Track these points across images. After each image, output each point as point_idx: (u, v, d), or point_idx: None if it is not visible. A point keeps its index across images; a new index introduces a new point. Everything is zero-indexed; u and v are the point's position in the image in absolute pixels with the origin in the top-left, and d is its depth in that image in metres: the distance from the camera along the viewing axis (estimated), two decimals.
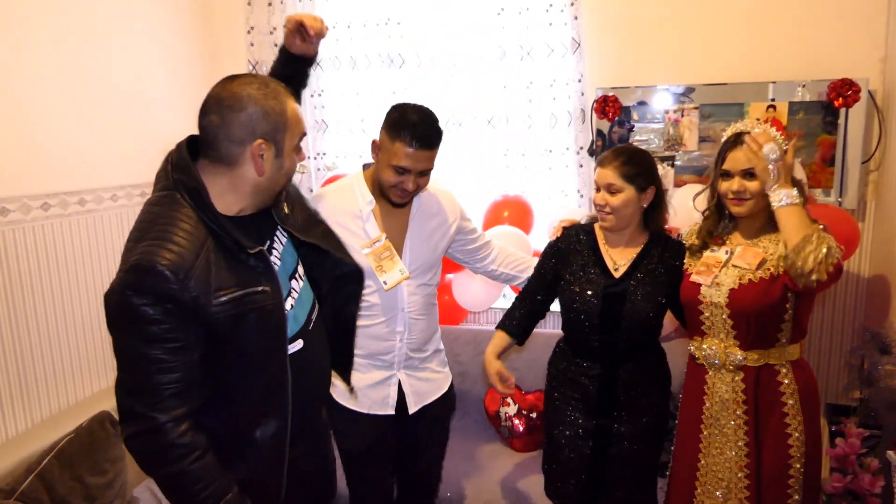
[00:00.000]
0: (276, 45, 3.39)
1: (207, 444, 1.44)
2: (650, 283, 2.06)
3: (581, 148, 3.12)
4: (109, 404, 2.57)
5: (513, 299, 2.34)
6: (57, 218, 2.57)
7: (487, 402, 3.07)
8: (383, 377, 2.16)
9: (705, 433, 2.03)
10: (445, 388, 2.30)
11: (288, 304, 1.60)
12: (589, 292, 2.08)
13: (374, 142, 2.05)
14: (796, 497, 1.94)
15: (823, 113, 2.86)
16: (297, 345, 1.63)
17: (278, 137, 1.51)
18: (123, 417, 1.41)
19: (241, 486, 1.50)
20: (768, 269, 1.89)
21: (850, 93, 2.70)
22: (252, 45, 3.45)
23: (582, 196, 3.16)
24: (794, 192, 1.84)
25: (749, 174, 1.90)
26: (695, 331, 2.05)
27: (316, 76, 3.42)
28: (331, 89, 3.45)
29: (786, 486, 1.94)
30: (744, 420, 1.96)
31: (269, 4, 3.38)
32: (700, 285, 1.98)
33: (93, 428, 2.38)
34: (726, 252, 1.99)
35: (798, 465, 1.94)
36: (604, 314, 2.06)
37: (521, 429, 3.02)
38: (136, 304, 1.35)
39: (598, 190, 2.07)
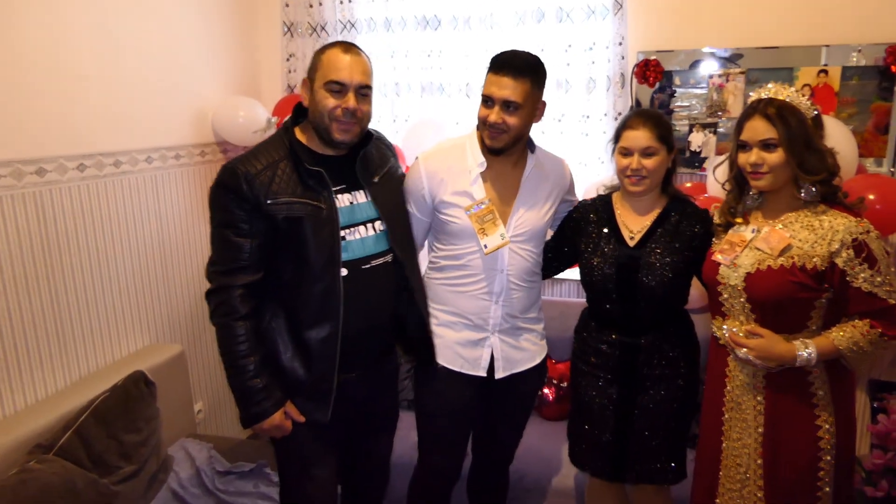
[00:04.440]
0: (310, 6, 3.34)
1: (251, 313, 1.85)
2: (665, 250, 2.00)
3: (619, 114, 3.03)
4: (144, 364, 2.61)
5: None
6: (92, 179, 2.58)
7: None
8: (477, 338, 2.11)
9: (727, 416, 1.95)
10: (538, 361, 2.21)
11: (346, 231, 1.89)
12: (603, 263, 2.04)
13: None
14: (827, 489, 1.84)
15: (879, 78, 2.72)
16: (342, 271, 1.87)
17: (312, 76, 1.87)
18: (207, 279, 1.87)
19: (296, 382, 1.90)
20: (791, 258, 1.76)
21: None
22: (287, 5, 3.41)
23: None
24: (810, 349, 1.75)
25: (768, 145, 1.76)
26: (716, 310, 1.96)
27: (350, 38, 3.37)
28: (365, 51, 3.38)
29: (815, 479, 1.84)
30: (763, 406, 1.86)
31: None
32: (720, 264, 1.88)
33: (128, 387, 2.41)
34: (753, 230, 1.86)
35: (829, 458, 1.83)
36: (620, 284, 2.02)
37: (550, 398, 3.00)
38: (220, 194, 1.82)
39: (626, 154, 2.00)
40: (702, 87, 2.96)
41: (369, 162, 1.98)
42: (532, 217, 2.08)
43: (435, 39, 3.25)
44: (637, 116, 2.01)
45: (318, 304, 1.86)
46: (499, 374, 2.13)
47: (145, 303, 2.89)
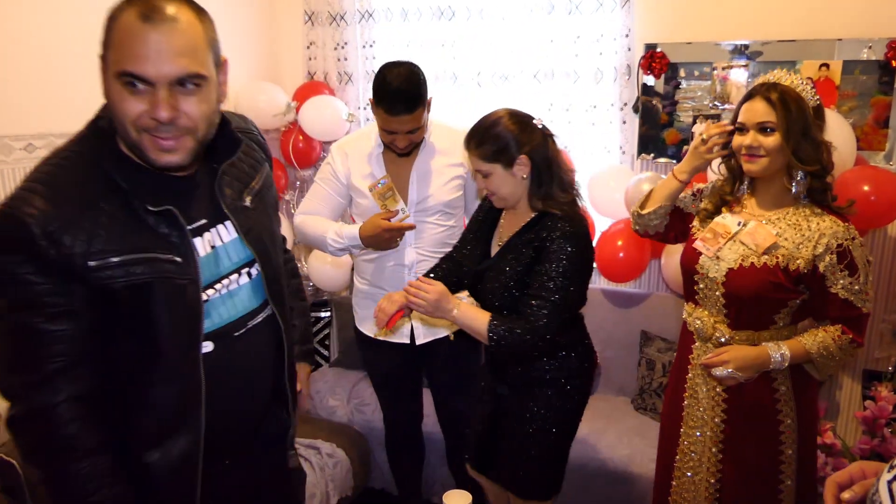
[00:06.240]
0: None
1: (105, 442, 1.19)
2: (507, 265, 1.91)
3: (625, 104, 3.11)
4: None
5: None
6: None
7: None
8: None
9: (686, 404, 1.96)
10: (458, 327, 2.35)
11: (209, 291, 1.29)
12: (466, 270, 2.07)
13: (370, 99, 2.15)
14: (788, 482, 1.86)
15: (879, 73, 2.77)
16: (206, 346, 1.29)
17: (105, 53, 1.16)
18: (7, 397, 1.18)
19: None
20: (775, 257, 1.73)
21: None
22: None
23: (624, 153, 3.16)
24: (783, 350, 1.75)
25: (765, 128, 1.70)
26: (689, 297, 1.95)
27: (368, 27, 3.49)
28: (382, 41, 3.51)
29: (777, 472, 1.85)
30: (722, 398, 1.87)
31: None
32: (701, 253, 1.85)
33: None
34: (739, 223, 1.81)
35: (790, 451, 1.84)
36: (473, 291, 2.05)
37: None
38: (2, 261, 1.10)
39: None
40: (706, 79, 3.03)
41: (235, 177, 1.37)
42: (430, 187, 2.23)
43: (449, 30, 3.36)
44: (467, 135, 1.89)
45: (171, 409, 1.25)
46: (420, 340, 2.31)
47: None
